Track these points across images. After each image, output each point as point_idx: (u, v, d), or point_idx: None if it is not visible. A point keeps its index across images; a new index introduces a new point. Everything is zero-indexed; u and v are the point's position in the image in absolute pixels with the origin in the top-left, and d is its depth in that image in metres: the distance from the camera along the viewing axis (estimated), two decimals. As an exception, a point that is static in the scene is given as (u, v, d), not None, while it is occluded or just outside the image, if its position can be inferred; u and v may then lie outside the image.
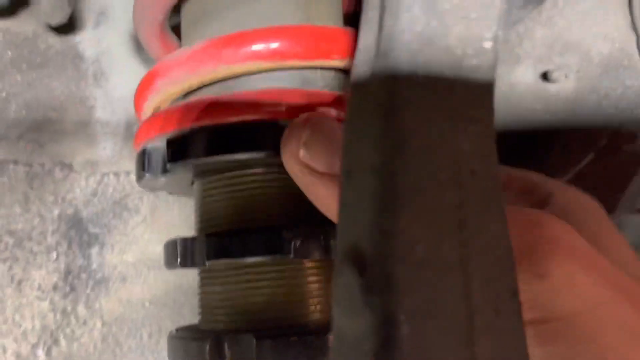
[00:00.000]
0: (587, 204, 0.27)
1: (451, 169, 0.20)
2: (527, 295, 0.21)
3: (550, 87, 0.47)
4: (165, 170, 0.31)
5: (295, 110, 0.30)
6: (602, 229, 0.26)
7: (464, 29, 0.20)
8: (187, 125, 0.31)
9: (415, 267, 0.19)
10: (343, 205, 0.20)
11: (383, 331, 0.18)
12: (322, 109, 0.30)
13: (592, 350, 0.21)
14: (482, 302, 0.20)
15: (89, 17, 0.46)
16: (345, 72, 0.34)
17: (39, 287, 0.40)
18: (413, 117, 0.20)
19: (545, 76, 0.47)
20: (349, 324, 0.19)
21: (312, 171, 0.25)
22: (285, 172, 0.32)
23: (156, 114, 0.33)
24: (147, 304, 0.44)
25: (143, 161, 0.32)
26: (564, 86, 0.46)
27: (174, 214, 0.45)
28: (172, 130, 0.31)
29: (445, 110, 0.20)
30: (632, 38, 0.44)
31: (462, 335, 0.19)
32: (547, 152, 0.51)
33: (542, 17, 0.47)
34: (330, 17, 0.35)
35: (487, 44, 0.20)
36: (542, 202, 0.28)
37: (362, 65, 0.21)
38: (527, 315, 0.21)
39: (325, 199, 0.25)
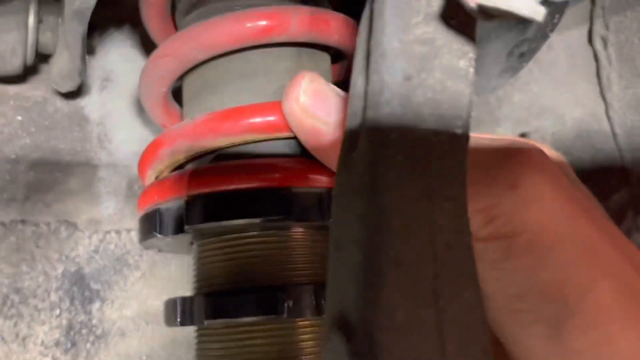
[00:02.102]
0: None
1: (428, 242, 0.22)
2: (503, 208, 0.24)
3: (529, 148, 0.50)
4: (179, 231, 0.33)
5: (289, 178, 0.33)
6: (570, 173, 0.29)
7: (437, 119, 0.23)
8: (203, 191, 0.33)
9: (396, 333, 0.21)
10: (331, 274, 0.23)
11: (368, 393, 0.20)
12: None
13: (552, 261, 0.23)
14: (458, 364, 0.22)
15: (94, 82, 0.49)
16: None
17: (42, 343, 0.42)
18: (392, 196, 0.22)
19: (523, 138, 0.50)
20: (337, 386, 0.21)
21: (310, 114, 0.29)
22: (279, 235, 0.34)
23: (163, 180, 0.35)
24: (144, 358, 0.45)
25: (155, 222, 0.34)
26: (541, 147, 0.49)
27: (171, 269, 0.47)
28: (190, 194, 0.33)
29: (422, 189, 0.23)
30: (601, 105, 0.47)
31: (440, 396, 0.21)
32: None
33: (518, 83, 0.51)
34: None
35: (458, 131, 0.23)
36: None
37: (348, 148, 0.23)
38: (503, 227, 0.24)
39: (323, 143, 0.28)
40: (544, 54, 0.48)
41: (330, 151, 0.28)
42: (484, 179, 0.25)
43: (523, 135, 0.51)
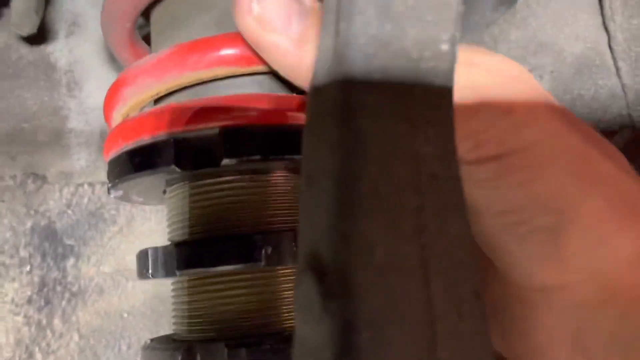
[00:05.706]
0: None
1: (410, 172, 0.20)
2: (494, 132, 0.23)
3: (526, 88, 0.47)
4: (151, 173, 0.30)
5: (264, 116, 0.30)
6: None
7: (419, 31, 0.20)
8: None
9: (374, 272, 0.18)
10: (303, 211, 0.20)
11: (342, 338, 0.18)
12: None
13: (547, 175, 0.23)
14: (445, 306, 0.19)
15: (60, 27, 0.45)
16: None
17: (13, 301, 0.40)
18: (370, 121, 0.19)
19: (520, 77, 0.47)
20: (309, 332, 0.19)
21: (268, 27, 0.25)
22: (257, 180, 0.32)
23: (128, 121, 0.33)
24: (125, 315, 0.43)
25: (125, 165, 0.31)
26: (539, 87, 0.46)
27: (151, 224, 0.45)
28: (160, 135, 0.30)
29: (404, 113, 0.20)
30: (604, 37, 0.44)
31: (424, 341, 0.19)
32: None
33: (515, 19, 0.48)
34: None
35: (444, 46, 0.20)
36: None
37: (320, 70, 0.21)
38: (493, 150, 0.23)
39: (288, 59, 0.25)
40: (544, -15, 0.45)
41: (299, 68, 0.25)
42: (473, 103, 0.24)
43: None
